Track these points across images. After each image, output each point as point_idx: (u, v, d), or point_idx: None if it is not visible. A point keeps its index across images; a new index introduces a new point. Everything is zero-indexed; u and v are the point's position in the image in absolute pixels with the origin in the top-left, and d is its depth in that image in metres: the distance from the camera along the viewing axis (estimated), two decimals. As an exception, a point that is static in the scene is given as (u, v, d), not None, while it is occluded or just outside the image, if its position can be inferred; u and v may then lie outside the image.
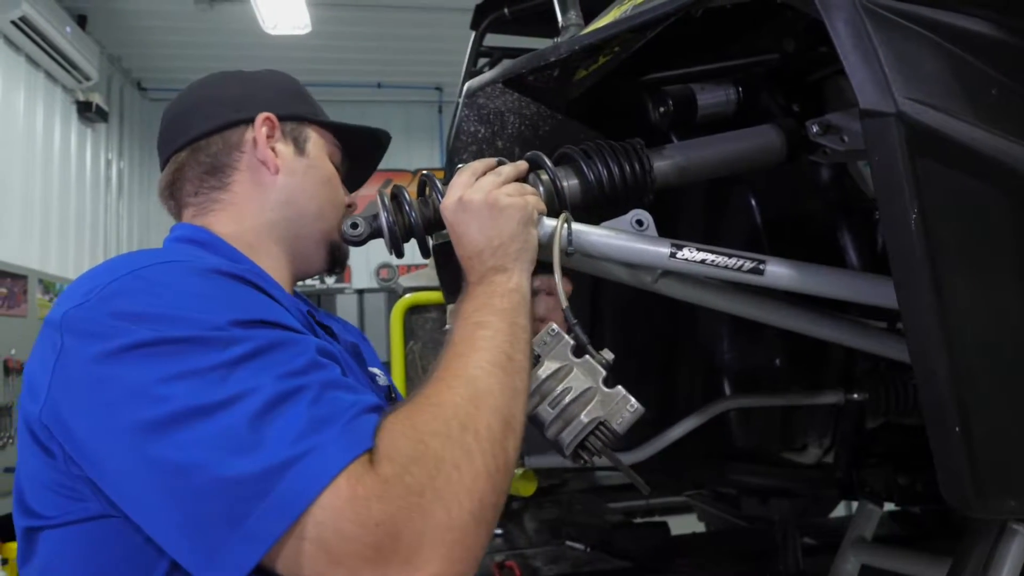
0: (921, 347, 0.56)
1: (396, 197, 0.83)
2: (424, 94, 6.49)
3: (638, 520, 2.28)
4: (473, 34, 2.14)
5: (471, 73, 2.26)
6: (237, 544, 0.51)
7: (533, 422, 0.71)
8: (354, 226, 0.81)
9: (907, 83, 0.58)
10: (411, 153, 6.32)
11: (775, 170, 1.00)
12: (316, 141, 0.88)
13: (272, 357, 0.57)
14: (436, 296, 2.55)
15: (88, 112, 4.90)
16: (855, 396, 1.03)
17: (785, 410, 1.23)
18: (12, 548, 3.10)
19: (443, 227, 0.82)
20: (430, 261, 0.93)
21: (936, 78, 0.62)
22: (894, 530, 1.44)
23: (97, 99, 4.94)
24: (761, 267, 0.75)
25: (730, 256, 0.76)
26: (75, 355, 0.58)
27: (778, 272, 0.75)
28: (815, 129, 0.86)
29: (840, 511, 2.51)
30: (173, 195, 0.85)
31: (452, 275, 1.17)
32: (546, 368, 0.71)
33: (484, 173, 0.79)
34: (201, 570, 0.54)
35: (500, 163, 0.82)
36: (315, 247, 0.87)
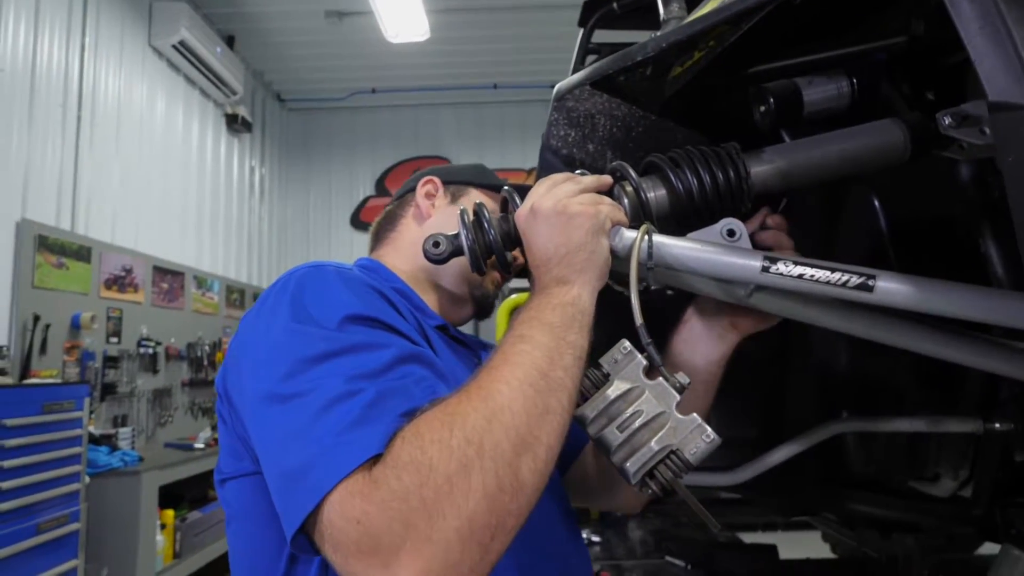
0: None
1: (476, 215, 0.83)
2: (539, 93, 6.50)
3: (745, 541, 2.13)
4: (581, 31, 2.09)
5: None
6: (284, 514, 0.59)
7: (598, 445, 0.67)
8: (435, 244, 0.82)
9: (1049, 69, 0.48)
10: (526, 152, 6.37)
11: (903, 168, 0.88)
12: (476, 196, 1.04)
13: (353, 358, 0.64)
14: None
15: (235, 124, 5.40)
16: (997, 426, 0.88)
17: (913, 434, 1.09)
18: (169, 515, 3.49)
19: (521, 242, 0.81)
20: None
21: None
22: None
23: (242, 111, 5.44)
24: (870, 283, 0.66)
25: (833, 271, 0.67)
26: (236, 340, 0.74)
27: (891, 288, 0.65)
28: (947, 121, 0.73)
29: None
30: (375, 237, 1.12)
31: None
32: (616, 388, 0.67)
33: (565, 182, 0.77)
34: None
35: (583, 174, 0.79)
36: (456, 283, 1.00)
